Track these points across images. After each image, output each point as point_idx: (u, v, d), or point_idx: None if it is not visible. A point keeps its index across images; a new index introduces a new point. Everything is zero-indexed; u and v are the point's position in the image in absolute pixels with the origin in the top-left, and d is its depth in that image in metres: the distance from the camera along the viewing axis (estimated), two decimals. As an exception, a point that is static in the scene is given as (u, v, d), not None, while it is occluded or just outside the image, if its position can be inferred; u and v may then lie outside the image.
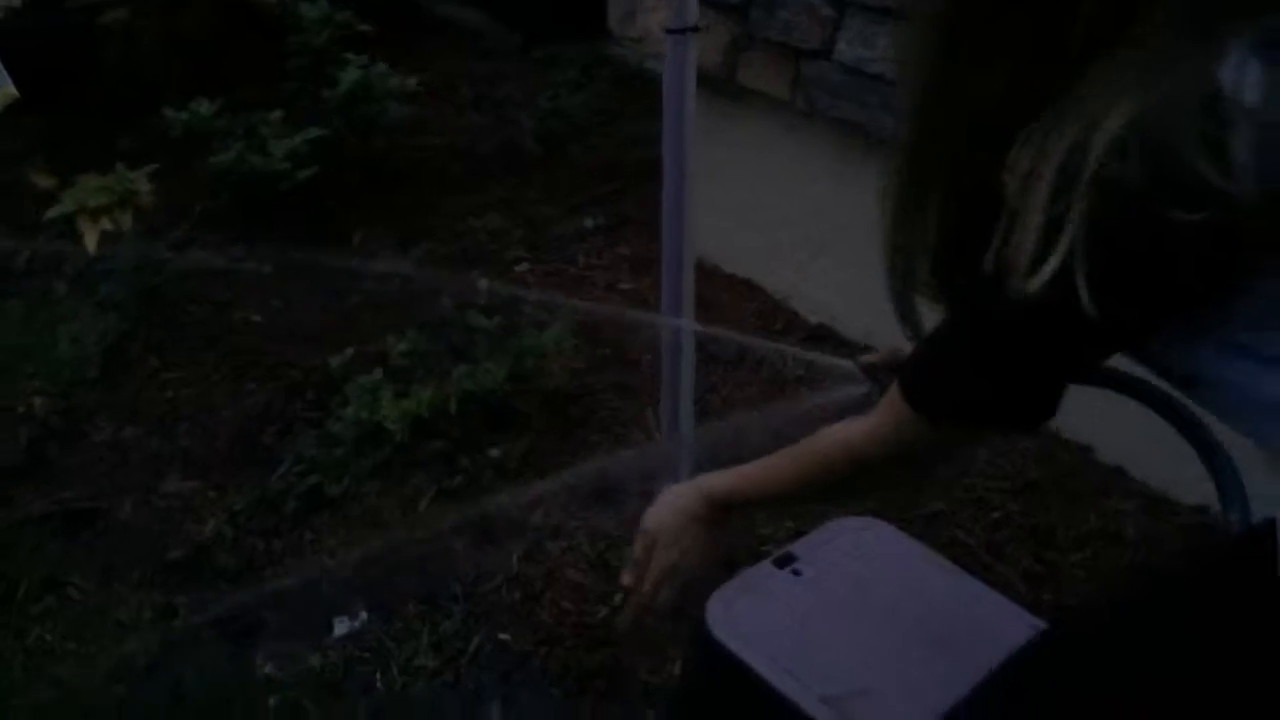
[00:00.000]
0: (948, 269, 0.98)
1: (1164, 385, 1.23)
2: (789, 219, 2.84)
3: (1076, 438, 2.32)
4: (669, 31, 1.62)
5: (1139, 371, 1.10)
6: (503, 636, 2.01)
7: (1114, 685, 1.04)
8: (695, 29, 1.63)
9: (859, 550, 1.91)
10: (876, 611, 1.79)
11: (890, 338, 1.35)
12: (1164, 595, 1.08)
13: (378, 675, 1.94)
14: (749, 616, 1.78)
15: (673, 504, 1.30)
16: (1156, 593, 1.11)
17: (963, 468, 2.29)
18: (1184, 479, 2.06)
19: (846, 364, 1.42)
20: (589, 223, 3.30)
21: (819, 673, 1.66)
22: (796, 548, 1.91)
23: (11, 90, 3.32)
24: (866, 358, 1.39)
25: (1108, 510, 2.16)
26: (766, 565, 1.88)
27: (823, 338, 2.69)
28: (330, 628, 2.06)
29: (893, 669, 1.66)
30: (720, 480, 1.28)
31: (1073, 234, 0.79)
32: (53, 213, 2.93)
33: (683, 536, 1.33)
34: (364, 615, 2.08)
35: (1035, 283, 0.81)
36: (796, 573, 1.85)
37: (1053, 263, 0.80)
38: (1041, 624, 1.52)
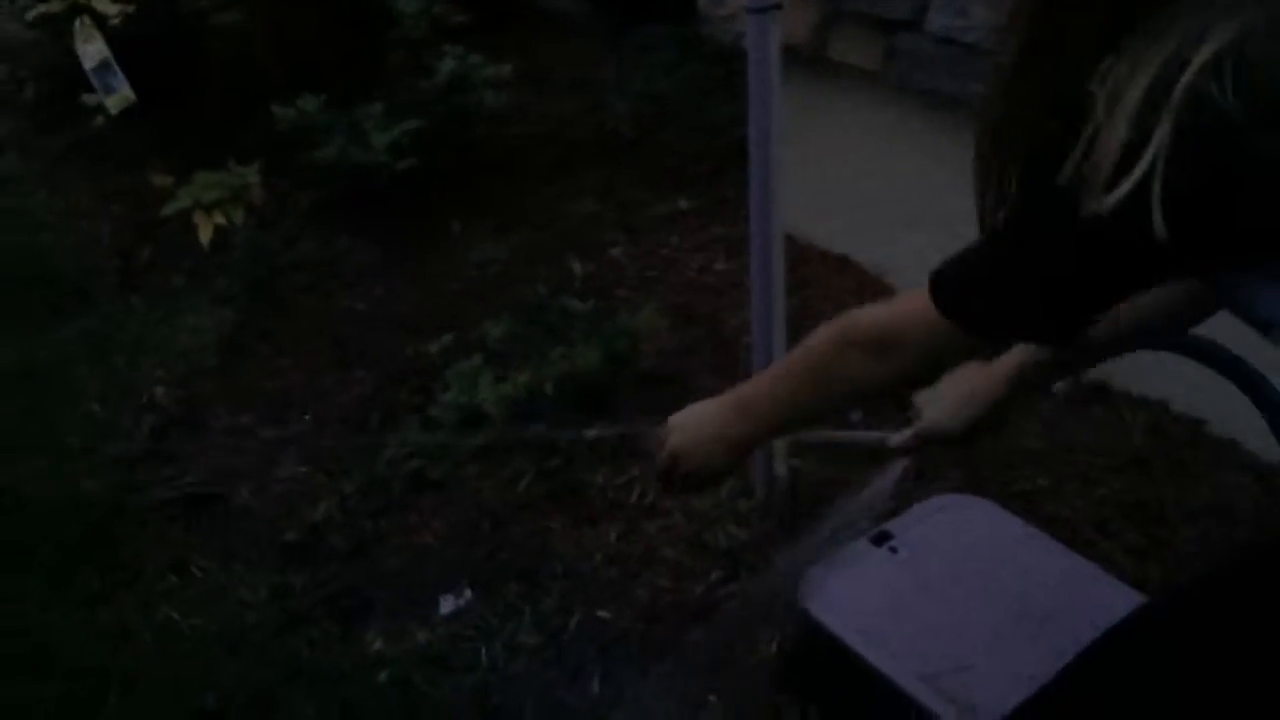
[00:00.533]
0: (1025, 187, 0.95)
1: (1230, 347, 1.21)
2: (883, 193, 2.81)
3: (1188, 411, 2.25)
4: (750, 10, 1.62)
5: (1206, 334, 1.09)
6: (601, 614, 2.05)
7: (1216, 661, 1.02)
8: (777, 6, 1.63)
9: (956, 527, 1.90)
10: (975, 588, 1.77)
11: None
12: (1269, 570, 1.05)
13: (482, 651, 1.99)
14: (845, 594, 1.78)
15: (696, 435, 1.28)
16: (1262, 567, 1.08)
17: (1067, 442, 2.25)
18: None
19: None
20: (683, 204, 3.31)
21: (916, 649, 1.66)
22: (893, 525, 1.91)
23: (129, 93, 3.49)
24: (898, 440, 1.42)
25: (1220, 484, 2.09)
26: (863, 543, 1.88)
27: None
28: (436, 605, 2.12)
29: (992, 645, 1.64)
30: (739, 428, 1.24)
31: (1155, 152, 0.78)
32: (169, 209, 3.07)
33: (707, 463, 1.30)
34: (468, 593, 2.14)
35: (1111, 199, 0.80)
36: (893, 550, 1.85)
37: (1131, 180, 0.78)
38: (1146, 600, 1.49)
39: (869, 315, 1.09)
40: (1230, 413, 2.21)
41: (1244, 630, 1.03)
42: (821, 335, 1.12)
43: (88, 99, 3.70)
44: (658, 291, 2.92)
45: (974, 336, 0.99)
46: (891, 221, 2.80)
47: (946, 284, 0.99)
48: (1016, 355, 1.30)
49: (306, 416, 2.70)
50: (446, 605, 2.12)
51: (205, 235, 3.10)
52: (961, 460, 2.24)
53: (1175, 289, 1.18)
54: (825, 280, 2.84)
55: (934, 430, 1.35)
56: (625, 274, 3.02)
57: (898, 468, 1.45)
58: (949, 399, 1.32)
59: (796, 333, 2.34)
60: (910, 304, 1.02)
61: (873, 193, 2.83)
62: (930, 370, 1.09)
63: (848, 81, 2.76)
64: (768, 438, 1.34)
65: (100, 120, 3.74)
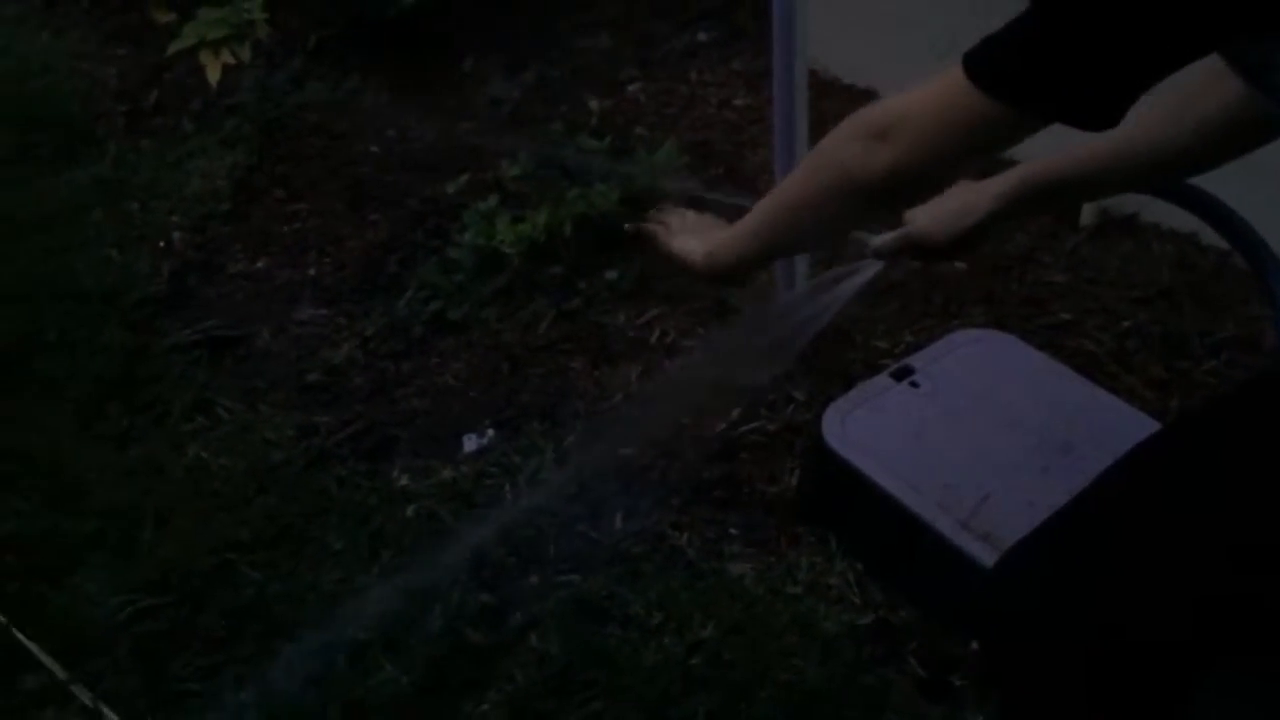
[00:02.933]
0: None
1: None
2: (911, 19, 2.69)
3: (1216, 243, 2.20)
4: None
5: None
6: (623, 451, 2.07)
7: (1227, 481, 1.03)
8: None
9: (979, 362, 1.89)
10: (996, 420, 1.78)
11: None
12: (1263, 407, 1.05)
13: (506, 487, 2.03)
14: (865, 428, 1.79)
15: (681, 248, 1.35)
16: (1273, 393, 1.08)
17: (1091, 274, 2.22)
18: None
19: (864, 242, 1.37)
20: (701, 37, 3.20)
21: (937, 481, 1.68)
22: (915, 360, 1.91)
23: (124, -74, 3.35)
24: (880, 243, 1.35)
25: (1245, 317, 2.07)
26: (883, 378, 1.88)
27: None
28: (460, 444, 2.15)
29: (1011, 476, 1.66)
30: (725, 253, 1.26)
31: None
32: (175, 46, 2.98)
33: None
34: (491, 433, 2.16)
35: None
36: (914, 385, 1.85)
37: None
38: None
39: (879, 102, 1.03)
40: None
41: (1253, 445, 1.03)
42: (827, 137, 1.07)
43: (81, -68, 3.57)
44: (677, 128, 2.85)
45: (1003, 104, 0.91)
46: (920, 51, 2.68)
47: (980, 54, 0.92)
48: (1013, 174, 1.25)
49: (325, 260, 2.69)
50: (470, 444, 2.15)
51: (213, 75, 3.02)
52: (984, 296, 2.22)
53: (1204, 112, 1.12)
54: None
55: (919, 236, 1.30)
56: (643, 111, 2.94)
57: (871, 270, 1.40)
58: (939, 210, 1.27)
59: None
60: (927, 86, 0.96)
61: (900, 22, 2.72)
62: (933, 164, 0.99)
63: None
64: (756, 259, 1.27)
65: (97, -44, 3.61)
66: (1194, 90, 1.12)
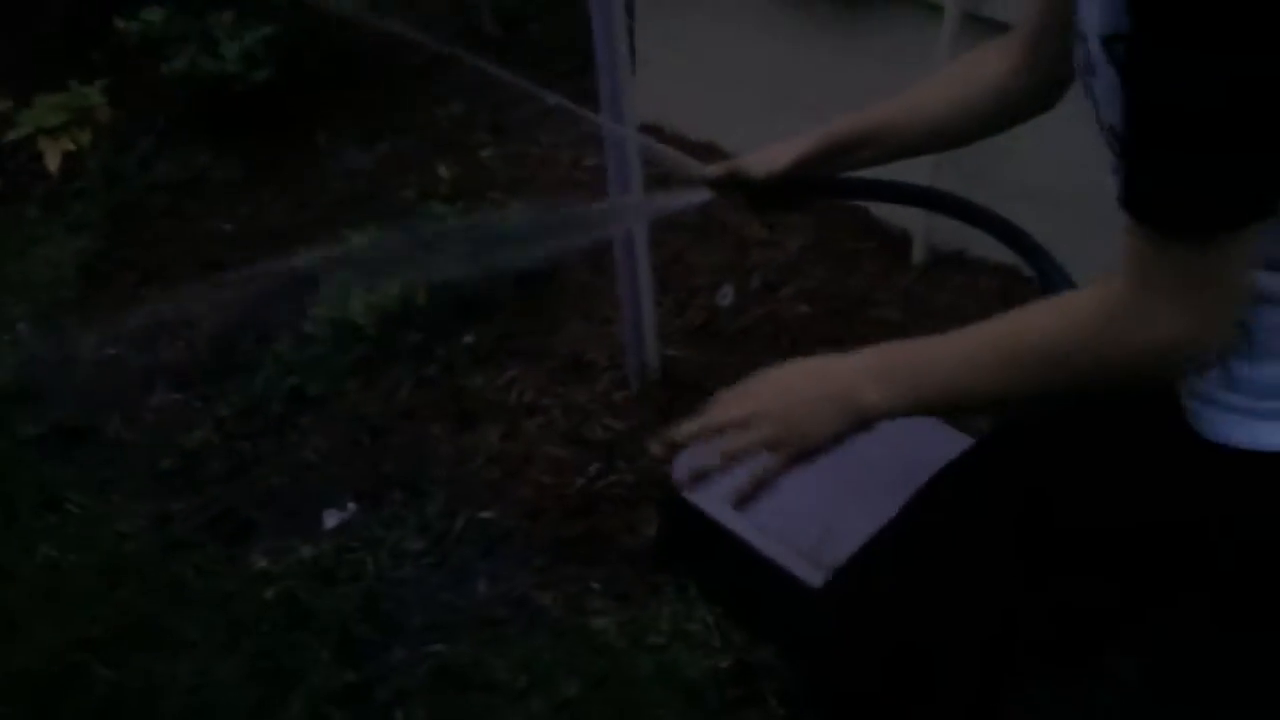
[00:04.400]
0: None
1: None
2: (750, 79, 2.80)
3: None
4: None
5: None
6: (485, 514, 2.08)
7: (1024, 489, 1.09)
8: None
9: (820, 402, 1.96)
10: (840, 456, 1.81)
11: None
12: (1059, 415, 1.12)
13: (368, 561, 2.01)
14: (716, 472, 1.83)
15: (803, 394, 1.03)
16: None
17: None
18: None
19: (694, 171, 1.36)
20: (551, 102, 3.25)
21: (782, 519, 1.73)
22: (760, 405, 1.96)
23: (-47, 16, 3.27)
24: (711, 169, 1.33)
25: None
26: (731, 424, 1.93)
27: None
28: (320, 520, 2.13)
29: (856, 507, 1.70)
30: (875, 394, 0.98)
31: None
32: (12, 136, 2.93)
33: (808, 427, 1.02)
34: (352, 506, 2.15)
35: None
36: (761, 429, 1.90)
37: None
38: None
39: (1102, 285, 0.86)
40: (1077, 275, 2.30)
41: (1047, 456, 1.11)
42: (1045, 319, 0.91)
43: (-88, 23, 3.47)
44: (528, 191, 2.89)
45: (1190, 238, 0.79)
46: (759, 106, 2.80)
47: (1129, 193, 0.81)
48: (825, 127, 1.27)
49: (178, 343, 2.64)
50: (330, 519, 2.13)
51: (53, 162, 2.98)
52: (827, 336, 2.30)
53: None
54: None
55: (740, 166, 1.29)
56: (495, 176, 2.98)
57: (697, 196, 1.38)
58: (764, 150, 1.29)
59: (660, 223, 2.36)
60: (1131, 248, 0.83)
61: (736, 80, 2.82)
62: (1204, 298, 0.82)
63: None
64: (910, 413, 0.98)
65: (-71, 46, 3.52)
66: (970, 64, 1.22)
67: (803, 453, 1.02)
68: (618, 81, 1.88)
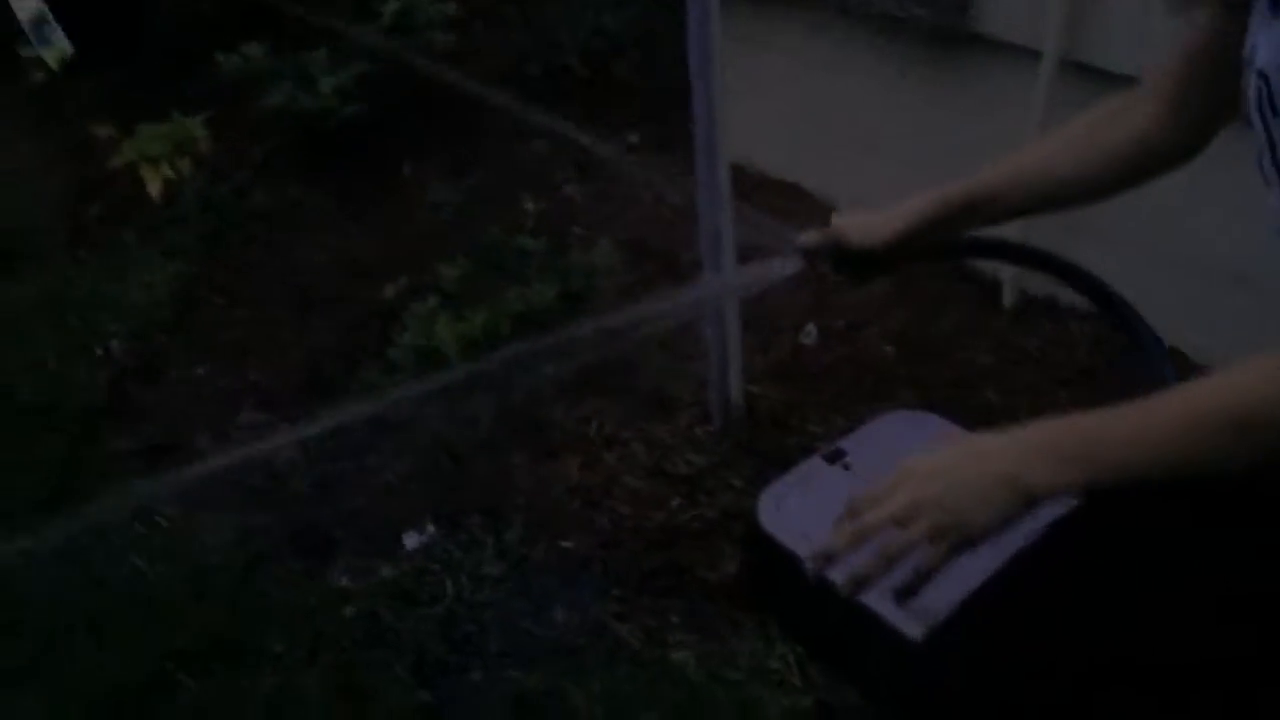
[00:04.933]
0: None
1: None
2: (831, 121, 2.81)
3: (1131, 323, 2.29)
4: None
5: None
6: (564, 544, 2.08)
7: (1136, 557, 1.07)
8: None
9: (909, 442, 1.92)
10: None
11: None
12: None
13: (447, 584, 2.02)
14: (799, 510, 1.81)
15: (964, 476, 0.96)
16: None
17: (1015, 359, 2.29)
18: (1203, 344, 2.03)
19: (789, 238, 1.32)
20: (634, 139, 3.30)
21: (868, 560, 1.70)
22: (846, 442, 1.94)
23: (67, 46, 3.42)
24: (804, 239, 1.30)
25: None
26: (816, 460, 1.91)
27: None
28: (401, 542, 2.15)
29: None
30: (1046, 472, 0.91)
31: None
32: (115, 162, 3.03)
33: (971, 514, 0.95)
34: (432, 529, 2.17)
35: None
36: (846, 466, 1.89)
37: None
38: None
39: None
40: (1177, 325, 2.26)
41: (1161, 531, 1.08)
42: (1236, 379, 0.85)
43: (24, 53, 3.63)
44: (612, 228, 2.93)
45: None
46: (840, 148, 2.81)
47: None
48: (929, 194, 1.23)
49: (267, 366, 2.70)
50: (411, 541, 2.14)
51: (154, 188, 3.08)
52: (913, 379, 2.28)
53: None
54: (774, 207, 2.85)
55: (838, 234, 1.27)
56: (579, 211, 3.02)
57: (790, 267, 1.33)
58: (862, 217, 1.26)
59: (747, 258, 2.37)
60: None
61: (821, 121, 2.84)
62: None
63: (793, 9, 2.75)
64: (1081, 490, 0.90)
65: (40, 76, 3.67)
66: (1103, 117, 1.15)
67: (967, 541, 0.95)
68: (714, 123, 1.89)
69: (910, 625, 1.60)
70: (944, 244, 1.33)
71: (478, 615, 1.95)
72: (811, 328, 2.48)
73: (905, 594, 1.01)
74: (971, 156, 1.30)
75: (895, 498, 0.98)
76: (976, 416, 2.18)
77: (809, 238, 1.30)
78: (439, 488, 2.25)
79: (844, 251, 1.28)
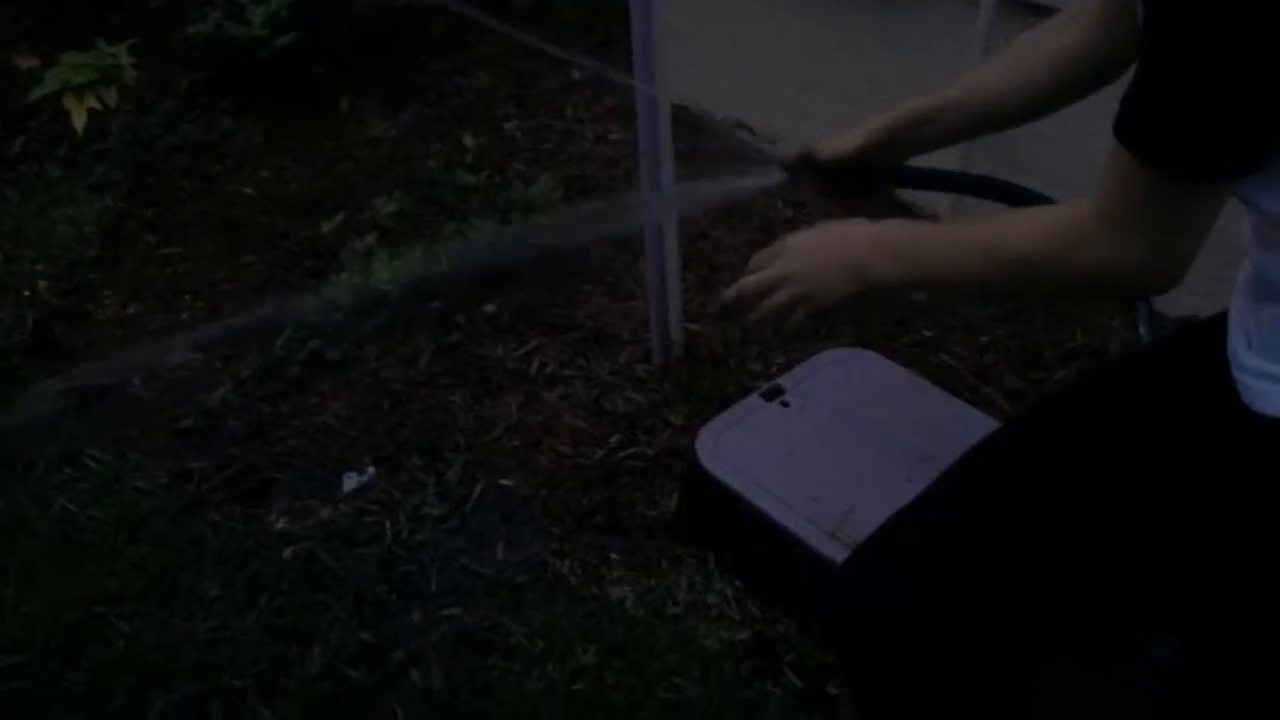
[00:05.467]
0: None
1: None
2: (775, 58, 2.79)
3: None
4: None
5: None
6: (504, 482, 2.07)
7: (1056, 469, 1.09)
8: None
9: (845, 380, 1.96)
10: (862, 435, 1.84)
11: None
12: (1108, 379, 1.12)
13: (387, 524, 2.01)
14: (737, 447, 1.83)
15: (826, 259, 1.14)
16: (1102, 378, 1.15)
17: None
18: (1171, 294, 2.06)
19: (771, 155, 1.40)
20: (576, 75, 3.25)
21: (805, 495, 1.73)
22: (784, 380, 1.96)
23: (-19, -29, 3.27)
24: (781, 154, 1.40)
25: (1093, 328, 2.18)
26: (754, 398, 1.93)
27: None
28: (339, 483, 2.13)
29: (878, 486, 1.71)
30: (885, 268, 1.10)
31: None
32: (38, 92, 2.92)
33: (826, 290, 1.15)
34: (371, 470, 2.15)
35: None
36: (784, 404, 1.90)
37: None
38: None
39: (1080, 203, 0.95)
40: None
41: (1089, 429, 1.10)
42: (1026, 226, 1.00)
43: (-62, -21, 3.47)
44: (553, 164, 2.89)
45: (1170, 178, 0.85)
46: (784, 86, 2.79)
47: (1134, 128, 0.86)
48: (889, 111, 1.32)
49: (199, 304, 2.64)
50: (349, 482, 2.13)
51: (79, 120, 2.96)
52: (850, 319, 2.29)
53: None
54: (718, 146, 2.83)
55: (813, 150, 1.35)
56: (519, 147, 2.98)
57: (769, 179, 1.40)
58: (834, 137, 1.34)
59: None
60: (1117, 178, 0.89)
61: (766, 60, 2.81)
62: (1169, 235, 0.89)
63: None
64: (903, 285, 1.12)
65: (-45, 2, 3.52)
66: (1037, 37, 1.22)
67: (819, 311, 1.18)
68: (652, 54, 1.86)
69: (841, 554, 1.63)
70: (909, 171, 1.40)
71: (417, 555, 1.95)
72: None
73: (727, 311, 1.24)
74: (913, 91, 1.32)
75: (773, 268, 1.18)
76: (912, 353, 2.21)
77: (790, 156, 1.37)
78: (378, 428, 2.23)
79: (815, 164, 1.35)
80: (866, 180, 1.38)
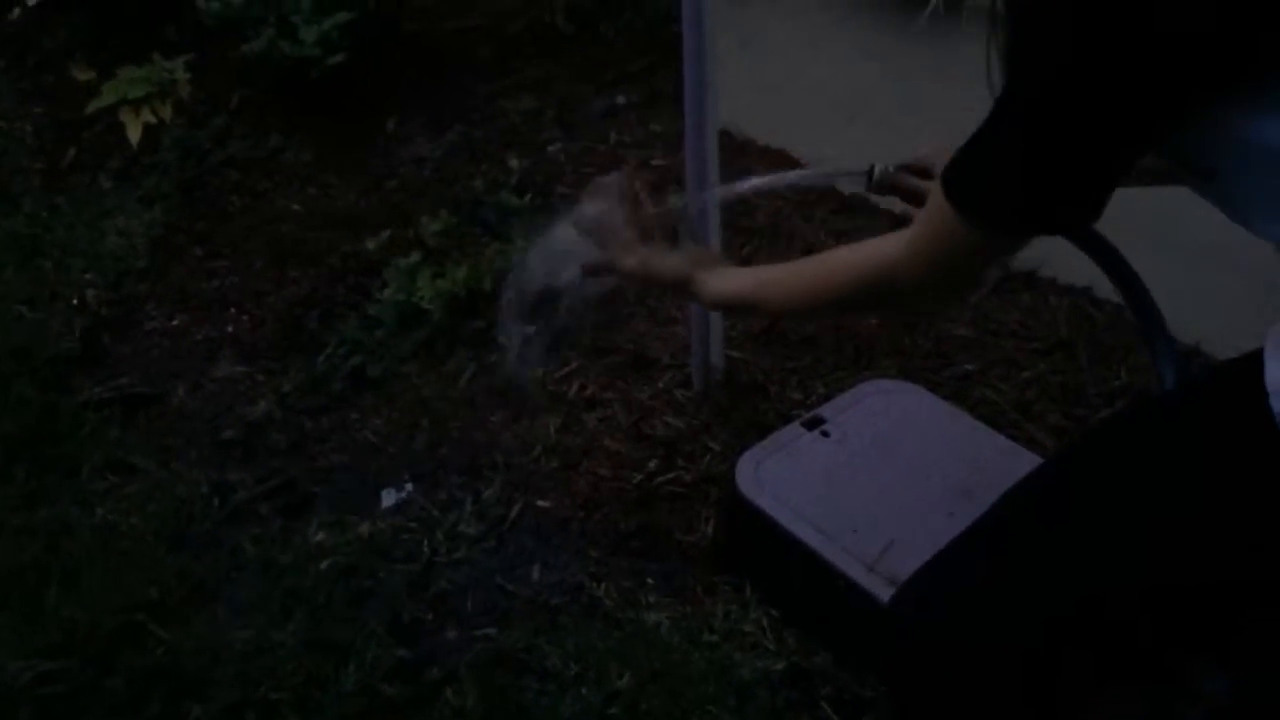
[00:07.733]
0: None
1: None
2: (822, 88, 2.79)
3: (1110, 297, 2.30)
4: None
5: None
6: (541, 504, 2.08)
7: (1103, 504, 1.08)
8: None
9: (886, 411, 1.95)
10: (902, 468, 1.83)
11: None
12: (1148, 421, 1.11)
13: (424, 542, 2.02)
14: (777, 475, 1.83)
15: (668, 277, 1.27)
16: (1141, 420, 1.14)
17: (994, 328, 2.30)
18: (1216, 332, 2.04)
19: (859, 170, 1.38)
20: (621, 100, 3.27)
21: (844, 526, 1.72)
22: (825, 410, 1.96)
23: (43, -15, 3.34)
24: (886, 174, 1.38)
25: (1136, 366, 2.15)
26: (795, 427, 1.92)
27: (855, 208, 2.67)
28: (378, 499, 2.14)
29: (918, 520, 1.70)
30: (719, 285, 1.23)
31: None
32: (95, 105, 2.98)
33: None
34: (410, 487, 2.16)
35: None
36: (825, 434, 1.90)
37: None
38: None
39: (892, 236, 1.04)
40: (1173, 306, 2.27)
41: (1125, 476, 1.09)
42: (845, 261, 1.11)
43: (0, -9, 3.55)
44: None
45: (991, 233, 0.92)
46: (830, 115, 2.79)
47: (958, 179, 0.93)
48: None
49: (244, 317, 2.67)
50: (388, 499, 2.14)
51: (134, 133, 3.02)
52: (893, 349, 2.28)
53: None
54: (760, 172, 2.83)
55: (919, 160, 1.34)
56: (563, 170, 2.99)
57: (851, 182, 1.43)
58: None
59: (731, 222, 2.36)
60: (927, 219, 0.97)
61: (812, 87, 2.82)
62: (958, 278, 1.02)
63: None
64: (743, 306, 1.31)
65: (16, 13, 3.59)
66: None
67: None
68: (702, 78, 1.87)
69: (880, 588, 1.62)
70: None
71: (454, 574, 1.95)
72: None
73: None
74: (962, 125, 1.31)
75: (627, 267, 1.30)
76: (954, 386, 2.19)
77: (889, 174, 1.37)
78: (418, 445, 2.24)
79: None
80: None
